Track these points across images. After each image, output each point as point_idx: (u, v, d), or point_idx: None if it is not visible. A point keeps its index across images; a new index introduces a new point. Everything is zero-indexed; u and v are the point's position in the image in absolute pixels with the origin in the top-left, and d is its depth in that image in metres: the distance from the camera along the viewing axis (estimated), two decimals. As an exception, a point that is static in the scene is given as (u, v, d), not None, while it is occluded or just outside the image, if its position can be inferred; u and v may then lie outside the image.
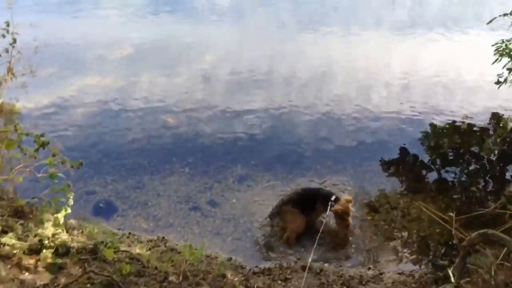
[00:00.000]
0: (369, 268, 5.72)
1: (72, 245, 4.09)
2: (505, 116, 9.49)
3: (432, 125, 9.13)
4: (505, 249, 4.14)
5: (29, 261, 3.84)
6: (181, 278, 4.41)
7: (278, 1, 18.46)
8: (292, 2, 18.23)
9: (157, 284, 4.29)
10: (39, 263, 3.87)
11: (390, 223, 6.55)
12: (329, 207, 6.08)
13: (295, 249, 6.03)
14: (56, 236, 4.06)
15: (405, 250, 6.12)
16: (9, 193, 4.68)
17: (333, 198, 6.15)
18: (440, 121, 9.31)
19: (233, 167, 7.67)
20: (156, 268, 4.41)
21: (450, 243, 5.85)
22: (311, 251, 5.93)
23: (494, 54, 8.20)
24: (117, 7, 16.51)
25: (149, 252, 4.78)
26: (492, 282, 4.03)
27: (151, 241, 5.93)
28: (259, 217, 6.60)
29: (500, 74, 8.58)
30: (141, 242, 5.83)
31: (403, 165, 8.09)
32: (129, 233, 6.13)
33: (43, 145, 4.42)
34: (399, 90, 10.71)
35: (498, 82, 8.64)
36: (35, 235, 4.05)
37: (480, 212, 4.76)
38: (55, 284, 3.83)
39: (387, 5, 18.26)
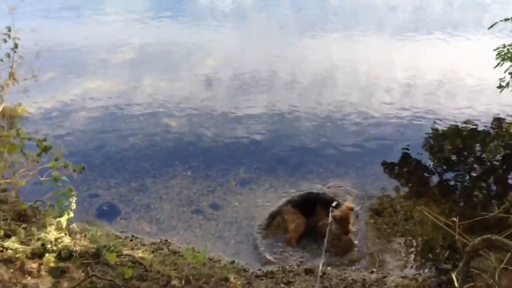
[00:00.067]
0: (372, 272, 5.71)
1: (75, 249, 4.09)
2: (507, 120, 9.46)
3: (434, 129, 9.11)
4: (509, 254, 4.12)
5: (32, 265, 3.84)
6: (183, 282, 4.40)
7: (280, 5, 18.45)
8: (294, 6, 18.21)
9: (160, 288, 4.30)
10: (41, 267, 3.87)
11: (393, 227, 6.54)
12: (330, 213, 6.07)
13: (298, 252, 6.02)
14: (59, 240, 4.06)
15: (408, 254, 6.11)
16: (12, 197, 4.67)
17: (334, 204, 6.15)
18: (442, 125, 9.28)
19: (236, 170, 7.68)
20: (158, 272, 4.41)
21: (453, 246, 5.80)
22: (313, 254, 5.98)
23: (496, 59, 8.17)
24: (118, 12, 16.51)
25: (152, 256, 4.78)
26: (496, 287, 4.01)
27: (154, 244, 5.95)
28: (262, 220, 6.60)
29: (502, 79, 8.56)
30: (144, 245, 5.85)
31: (405, 168, 8.06)
32: (132, 236, 6.16)
33: (46, 149, 4.41)
34: (402, 93, 10.69)
35: (500, 87, 8.62)
36: (38, 239, 4.05)
37: (483, 217, 4.74)
38: (58, 288, 3.84)
39: (388, 10, 18.23)
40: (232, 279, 4.93)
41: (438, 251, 6.09)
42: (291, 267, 5.70)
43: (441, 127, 9.21)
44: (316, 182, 7.43)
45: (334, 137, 8.78)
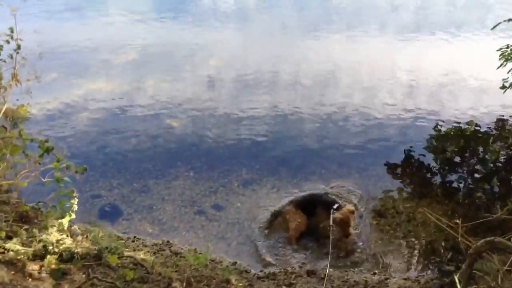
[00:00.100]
0: (374, 274, 5.68)
1: (76, 250, 4.09)
2: (510, 121, 9.42)
3: (437, 130, 9.08)
4: (512, 256, 4.11)
5: (33, 267, 3.84)
6: (184, 284, 4.40)
7: (282, 5, 18.44)
8: (296, 6, 18.19)
9: (161, 291, 4.30)
10: (43, 269, 3.87)
11: (395, 228, 6.52)
12: (331, 215, 6.07)
13: (300, 254, 6.01)
14: (60, 241, 4.06)
15: (410, 255, 6.08)
16: (13, 198, 4.68)
17: (335, 206, 6.13)
18: (445, 126, 9.24)
19: (238, 171, 7.66)
20: (160, 274, 4.40)
21: (456, 248, 5.78)
22: (315, 256, 5.97)
23: (499, 59, 8.13)
24: (121, 13, 16.51)
25: (153, 257, 4.77)
26: (499, 289, 4.00)
27: (156, 245, 5.95)
28: (264, 221, 6.59)
29: (505, 79, 8.52)
30: (146, 246, 5.85)
31: (408, 169, 8.04)
32: (134, 237, 6.15)
33: (48, 150, 4.43)
34: (404, 94, 10.65)
35: (503, 87, 8.58)
36: (39, 241, 4.05)
37: (487, 219, 4.72)
38: (59, 290, 3.84)
39: (391, 9, 18.19)
40: (233, 281, 4.92)
41: (440, 252, 6.07)
42: (293, 268, 5.68)
43: (444, 128, 9.17)
44: (319, 183, 7.39)
45: (337, 138, 8.75)
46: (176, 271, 4.67)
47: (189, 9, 17.50)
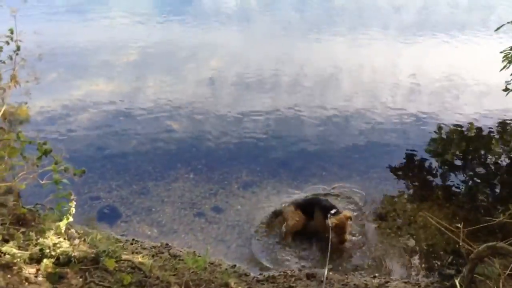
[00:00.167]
0: (374, 277, 5.65)
1: (73, 254, 4.05)
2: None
3: (438, 132, 9.05)
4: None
5: (30, 271, 3.80)
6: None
7: (284, 5, 18.42)
8: (298, 6, 18.18)
9: (159, 295, 4.27)
10: (39, 272, 3.83)
11: (396, 231, 6.49)
12: (328, 219, 6.05)
13: (300, 257, 5.99)
14: (58, 245, 4.02)
15: (411, 259, 6.06)
16: (10, 201, 4.65)
17: (332, 211, 6.11)
18: (446, 128, 9.22)
19: (238, 173, 7.64)
20: (158, 278, 4.36)
21: (457, 251, 5.77)
22: (316, 259, 5.94)
23: (503, 61, 8.10)
24: (121, 14, 16.52)
25: (151, 261, 4.73)
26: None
27: (154, 247, 5.92)
28: (264, 223, 6.57)
29: (508, 81, 8.49)
30: (144, 248, 5.82)
31: (409, 172, 8.01)
32: (133, 239, 6.12)
33: (46, 152, 4.40)
34: (406, 96, 10.63)
35: (506, 89, 8.55)
36: (36, 244, 4.02)
37: (489, 223, 4.68)
38: (55, 294, 3.81)
39: (393, 11, 18.17)
40: (232, 284, 4.88)
41: (441, 256, 6.03)
42: (293, 271, 5.65)
43: (445, 130, 9.14)
44: (320, 185, 7.37)
45: (338, 140, 8.74)
46: (174, 275, 4.63)
47: (189, 10, 17.50)
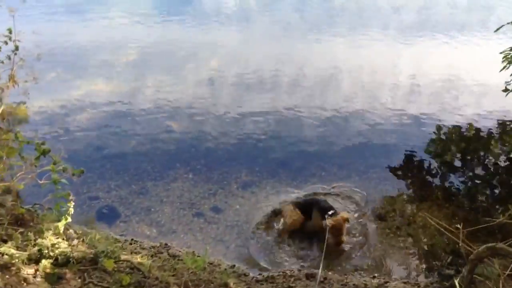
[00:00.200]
0: (374, 277, 5.64)
1: (72, 254, 4.04)
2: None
3: (438, 133, 9.05)
4: (513, 261, 4.06)
5: (28, 271, 3.79)
6: (182, 288, 4.35)
7: (283, 5, 18.41)
8: (298, 6, 18.17)
9: (158, 296, 4.25)
10: (38, 273, 3.82)
11: (395, 231, 6.49)
12: (325, 220, 6.06)
13: (299, 257, 5.98)
14: (56, 245, 4.01)
15: (410, 259, 6.06)
16: (8, 201, 4.63)
17: (330, 212, 6.10)
18: (446, 128, 9.22)
19: (237, 173, 7.64)
20: (157, 278, 4.35)
21: (456, 252, 5.74)
22: (315, 259, 5.93)
23: (502, 62, 8.09)
24: (121, 14, 16.49)
25: (150, 261, 4.71)
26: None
27: (153, 247, 5.91)
28: (263, 224, 6.56)
29: (508, 82, 8.48)
30: (143, 248, 5.81)
31: (408, 172, 8.00)
32: (132, 239, 6.12)
33: (44, 153, 4.39)
34: (405, 97, 10.62)
35: (506, 90, 8.53)
36: (35, 245, 4.00)
37: (490, 224, 4.67)
38: (53, 294, 3.79)
39: (392, 11, 18.15)
40: (231, 284, 4.87)
41: (441, 256, 6.02)
42: (292, 271, 5.64)
43: (445, 131, 9.13)
44: (319, 185, 7.36)
45: (337, 140, 8.73)
46: (173, 275, 4.62)
47: (189, 10, 17.48)
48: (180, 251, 5.86)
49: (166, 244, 6.04)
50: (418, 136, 8.91)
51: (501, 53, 8.22)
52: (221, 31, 15.08)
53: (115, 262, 4.24)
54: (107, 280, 4.03)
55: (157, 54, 12.84)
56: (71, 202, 4.38)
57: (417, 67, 12.10)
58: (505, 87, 8.57)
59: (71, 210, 4.39)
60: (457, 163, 8.24)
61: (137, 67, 11.91)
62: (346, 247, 6.18)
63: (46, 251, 3.96)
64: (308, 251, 6.09)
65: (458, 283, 4.34)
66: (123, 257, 4.53)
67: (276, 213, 6.67)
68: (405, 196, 7.28)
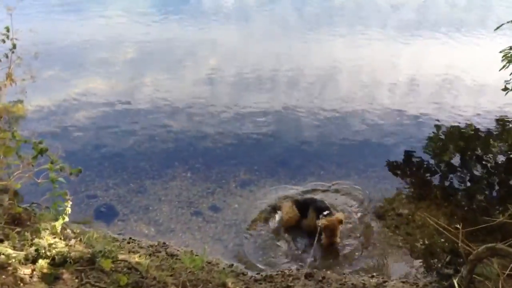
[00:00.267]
0: (372, 276, 5.63)
1: (69, 254, 4.02)
2: (511, 123, 9.38)
3: (437, 131, 9.03)
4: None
5: (25, 271, 3.77)
6: (180, 288, 4.34)
7: (283, 3, 18.37)
8: (297, 5, 18.13)
9: (155, 296, 4.24)
10: (34, 273, 3.80)
11: (394, 230, 6.48)
12: (319, 220, 6.06)
13: (298, 256, 5.97)
14: (53, 245, 3.99)
15: (409, 258, 6.04)
16: (5, 201, 4.62)
17: (325, 212, 6.10)
18: (445, 127, 9.20)
19: (236, 171, 7.61)
20: (155, 278, 4.33)
21: (455, 251, 5.72)
22: (313, 258, 5.93)
23: (502, 61, 8.07)
24: (119, 11, 16.40)
25: (148, 261, 4.69)
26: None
27: (151, 246, 5.90)
28: (262, 222, 6.57)
29: (508, 81, 8.46)
30: (141, 247, 5.80)
31: (408, 171, 7.99)
32: (130, 238, 6.10)
33: (42, 152, 4.37)
34: (404, 95, 10.60)
35: (505, 89, 8.51)
36: (32, 244, 3.99)
37: (489, 224, 4.66)
38: (50, 295, 3.78)
39: (391, 10, 18.11)
40: (230, 284, 4.86)
41: (439, 255, 6.01)
42: (290, 271, 5.63)
43: (444, 129, 9.12)
44: (318, 184, 7.35)
45: (336, 139, 8.70)
46: (171, 275, 4.60)
47: (187, 9, 17.39)
48: (178, 250, 5.85)
49: (164, 243, 6.02)
50: (417, 135, 8.89)
51: (500, 52, 8.20)
52: (219, 30, 15.00)
53: (112, 262, 4.23)
54: (105, 280, 4.02)
55: (155, 52, 12.79)
56: (69, 201, 4.37)
57: (416, 66, 12.07)
58: (505, 86, 8.55)
59: (69, 210, 4.37)
60: (456, 162, 8.22)
61: (135, 66, 11.86)
62: (345, 246, 6.16)
63: (43, 251, 3.95)
64: (307, 250, 6.07)
65: (457, 283, 4.33)
66: (120, 256, 4.52)
67: (275, 209, 6.69)
68: (404, 195, 7.26)
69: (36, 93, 9.35)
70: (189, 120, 9.23)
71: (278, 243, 6.19)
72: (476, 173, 7.88)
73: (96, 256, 4.14)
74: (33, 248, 3.95)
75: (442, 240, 6.12)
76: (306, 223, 6.38)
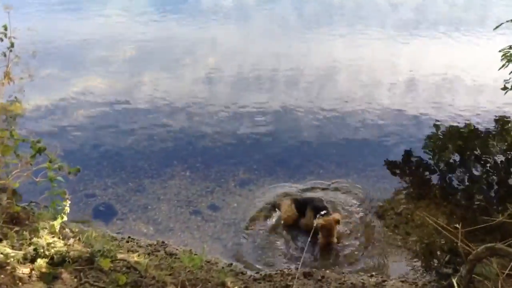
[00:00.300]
0: (371, 276, 5.63)
1: (68, 254, 4.00)
2: (510, 122, 9.38)
3: (436, 130, 9.04)
4: (512, 262, 4.05)
5: (23, 271, 3.76)
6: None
7: (282, 2, 18.35)
8: (296, 3, 18.11)
9: (154, 295, 4.22)
10: (33, 272, 3.79)
11: (393, 229, 6.48)
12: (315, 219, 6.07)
13: (297, 255, 5.96)
14: (52, 244, 3.97)
15: (408, 257, 6.04)
16: (3, 200, 4.60)
17: (322, 212, 6.10)
18: (444, 126, 9.20)
19: (235, 170, 7.61)
20: (154, 277, 4.32)
21: (454, 250, 5.71)
22: (312, 257, 5.93)
23: (502, 60, 8.06)
24: (117, 11, 16.38)
25: (147, 260, 4.67)
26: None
27: (150, 245, 5.88)
28: (261, 222, 6.56)
29: (507, 80, 8.45)
30: (140, 246, 5.78)
31: (407, 170, 8.00)
32: (129, 237, 6.09)
33: (40, 151, 4.36)
34: (404, 94, 10.61)
35: (504, 88, 8.51)
36: (30, 244, 3.97)
37: (489, 223, 4.66)
38: (49, 294, 3.76)
39: (391, 8, 18.11)
40: (229, 283, 4.83)
41: (438, 255, 6.02)
42: (290, 270, 5.62)
43: (443, 128, 9.12)
44: (317, 183, 7.35)
45: (335, 138, 8.71)
46: (170, 274, 4.58)
47: (186, 8, 17.36)
48: (177, 249, 5.83)
49: (163, 242, 6.01)
50: (416, 135, 8.90)
51: (500, 51, 8.19)
52: (218, 29, 14.98)
53: (111, 262, 4.21)
54: (104, 279, 4.00)
55: (154, 51, 12.77)
56: (67, 200, 4.35)
57: (415, 65, 12.06)
58: (504, 85, 8.55)
59: (67, 209, 4.36)
60: (455, 162, 8.22)
61: (134, 65, 11.84)
62: (345, 245, 6.17)
63: (42, 250, 3.93)
64: (306, 249, 6.05)
65: (456, 282, 4.32)
66: (119, 256, 4.50)
67: (275, 207, 6.71)
68: (403, 195, 7.25)
69: (35, 92, 9.33)
70: (188, 119, 9.22)
71: (277, 242, 6.19)
72: (475, 172, 7.88)
73: (95, 256, 4.12)
74: (32, 247, 3.93)
75: (441, 239, 6.11)
76: (304, 222, 6.38)
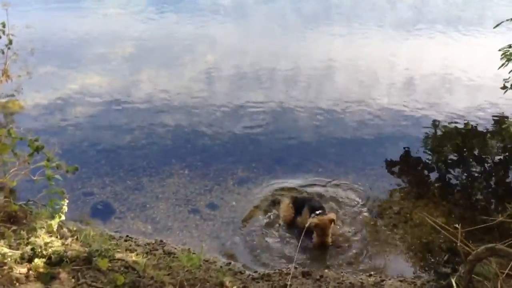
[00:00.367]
0: (370, 275, 5.62)
1: (65, 253, 3.98)
2: (510, 120, 9.36)
3: (435, 129, 9.03)
4: (512, 262, 4.05)
5: (21, 270, 3.74)
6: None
7: (280, 0, 18.34)
8: (295, 1, 18.07)
9: (153, 296, 4.20)
10: (30, 272, 3.77)
11: (392, 229, 6.47)
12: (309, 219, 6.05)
13: (295, 255, 5.94)
14: (49, 244, 3.95)
15: (407, 257, 6.05)
16: (1, 198, 4.58)
17: (317, 212, 6.09)
18: (443, 125, 9.20)
19: (234, 169, 7.58)
20: (152, 277, 4.30)
21: (453, 250, 5.72)
22: (311, 256, 5.92)
23: (501, 59, 8.04)
24: (116, 8, 16.32)
25: (145, 260, 4.65)
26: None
27: (148, 244, 5.86)
28: (259, 221, 6.54)
29: (507, 79, 8.43)
30: (138, 245, 5.76)
31: (406, 169, 7.97)
32: (127, 236, 6.06)
33: (38, 149, 4.34)
34: (402, 93, 10.58)
35: (504, 87, 8.49)
36: (27, 243, 3.95)
37: (489, 223, 4.65)
38: (46, 294, 3.74)
39: (390, 7, 18.08)
40: (227, 283, 4.82)
41: (437, 254, 6.01)
42: (288, 269, 5.60)
43: (442, 127, 9.12)
44: (316, 182, 7.34)
45: (334, 137, 8.69)
46: (168, 274, 4.57)
47: (185, 5, 17.30)
48: (175, 248, 5.81)
49: (161, 241, 5.98)
50: (415, 133, 8.89)
51: (499, 50, 8.17)
52: (217, 27, 14.92)
53: (109, 261, 4.19)
54: (101, 279, 3.98)
55: (152, 49, 12.70)
56: (65, 199, 4.34)
57: (414, 64, 12.05)
58: (503, 84, 8.53)
59: (65, 208, 4.34)
60: (454, 161, 8.22)
61: (132, 62, 11.78)
62: (343, 245, 6.16)
63: (39, 250, 3.91)
64: (305, 249, 6.06)
65: (455, 282, 4.31)
66: (117, 255, 4.48)
67: (274, 203, 6.72)
68: (402, 193, 7.24)
69: (32, 90, 9.28)
70: (186, 117, 9.17)
71: (276, 241, 6.18)
72: (474, 171, 7.88)
73: (93, 255, 4.10)
74: (29, 247, 3.91)
75: (440, 238, 6.11)
76: (299, 221, 6.37)
